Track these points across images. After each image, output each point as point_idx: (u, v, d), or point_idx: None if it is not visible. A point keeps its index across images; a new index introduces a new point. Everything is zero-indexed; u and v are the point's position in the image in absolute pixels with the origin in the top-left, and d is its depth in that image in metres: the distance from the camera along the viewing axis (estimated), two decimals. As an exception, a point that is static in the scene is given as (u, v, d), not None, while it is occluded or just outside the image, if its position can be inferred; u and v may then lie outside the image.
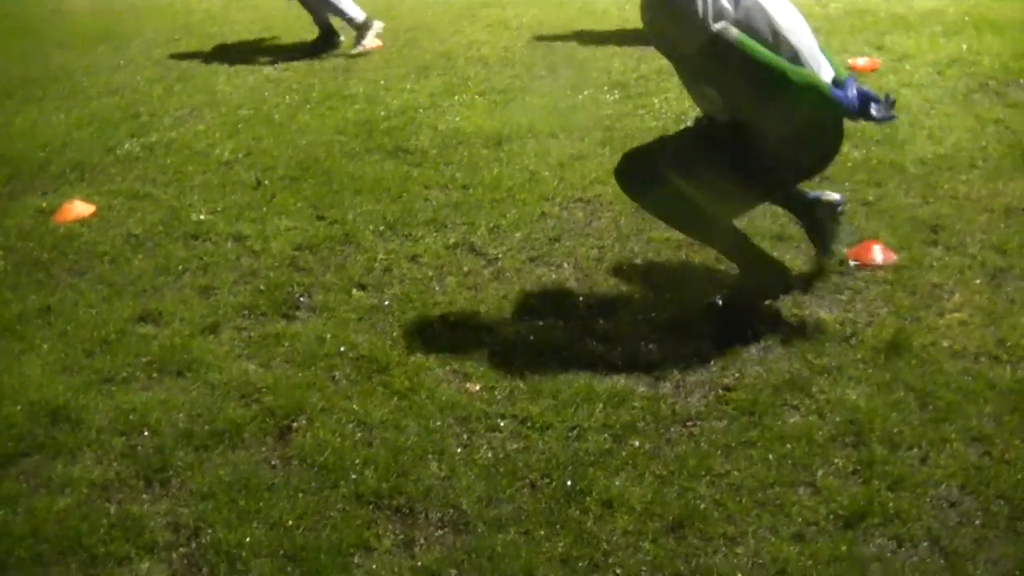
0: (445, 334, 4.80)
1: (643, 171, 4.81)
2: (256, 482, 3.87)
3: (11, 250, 5.72)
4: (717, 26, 4.42)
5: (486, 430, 4.13)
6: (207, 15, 11.55)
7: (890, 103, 4.50)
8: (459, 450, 4.02)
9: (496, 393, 4.34)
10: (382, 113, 7.81)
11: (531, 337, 4.72)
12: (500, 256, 5.49)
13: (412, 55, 9.53)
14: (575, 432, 4.09)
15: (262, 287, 5.25)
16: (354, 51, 9.61)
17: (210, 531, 3.65)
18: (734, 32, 4.42)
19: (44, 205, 6.31)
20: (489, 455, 3.98)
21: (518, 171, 6.47)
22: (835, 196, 5.23)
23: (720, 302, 4.91)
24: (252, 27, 10.91)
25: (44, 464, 4.02)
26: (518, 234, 5.67)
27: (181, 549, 3.60)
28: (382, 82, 8.63)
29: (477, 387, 4.39)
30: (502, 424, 4.15)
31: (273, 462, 3.99)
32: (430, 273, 5.36)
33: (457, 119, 7.61)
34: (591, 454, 3.96)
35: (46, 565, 3.54)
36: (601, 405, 4.23)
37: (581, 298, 5.05)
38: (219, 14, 11.58)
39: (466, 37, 10.10)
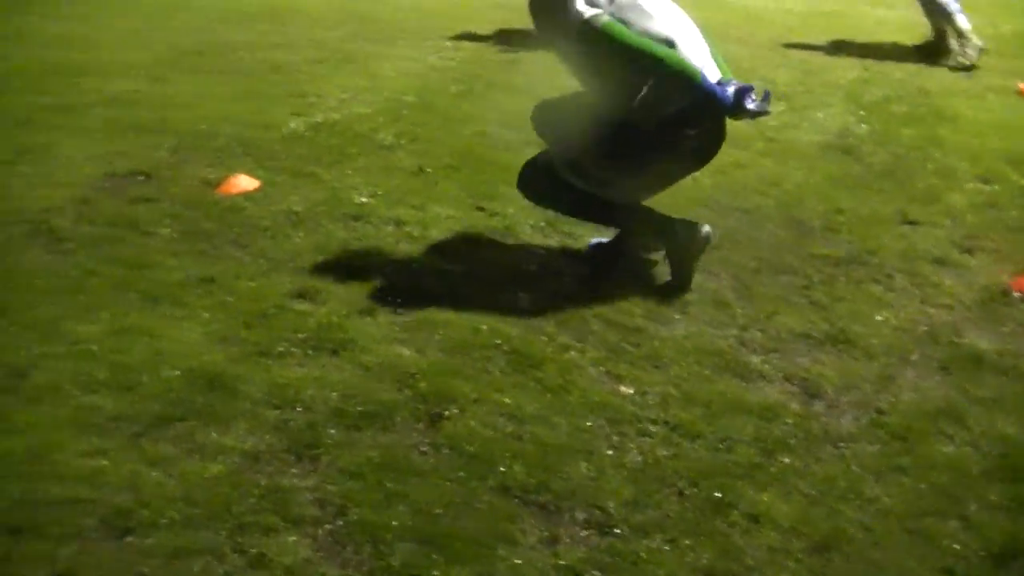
0: (601, 334, 4.78)
1: (542, 178, 5.23)
2: (404, 466, 3.90)
3: (176, 218, 5.82)
4: (588, 13, 4.75)
5: (636, 434, 4.12)
6: (371, -1, 11.66)
7: (766, 97, 4.77)
8: (608, 452, 4.01)
9: (648, 398, 4.34)
10: (544, 107, 7.80)
11: (686, 344, 4.70)
12: (657, 260, 5.46)
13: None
14: (725, 443, 4.07)
15: (419, 273, 5.29)
16: (951, 63, 9.44)
17: (356, 510, 3.68)
18: (604, 18, 4.74)
19: (210, 176, 6.40)
20: (638, 459, 3.97)
21: (676, 175, 6.45)
22: (706, 227, 5.23)
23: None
24: (416, 12, 10.99)
25: (199, 430, 4.08)
26: (675, 239, 5.65)
27: (326, 525, 3.63)
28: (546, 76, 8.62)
29: (630, 390, 4.38)
30: (653, 429, 4.14)
31: (422, 448, 4.02)
32: (587, 272, 5.36)
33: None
34: (740, 466, 3.94)
35: (195, 528, 3.59)
36: (753, 418, 4.21)
37: (738, 309, 5.02)
38: (383, -2, 11.68)
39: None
